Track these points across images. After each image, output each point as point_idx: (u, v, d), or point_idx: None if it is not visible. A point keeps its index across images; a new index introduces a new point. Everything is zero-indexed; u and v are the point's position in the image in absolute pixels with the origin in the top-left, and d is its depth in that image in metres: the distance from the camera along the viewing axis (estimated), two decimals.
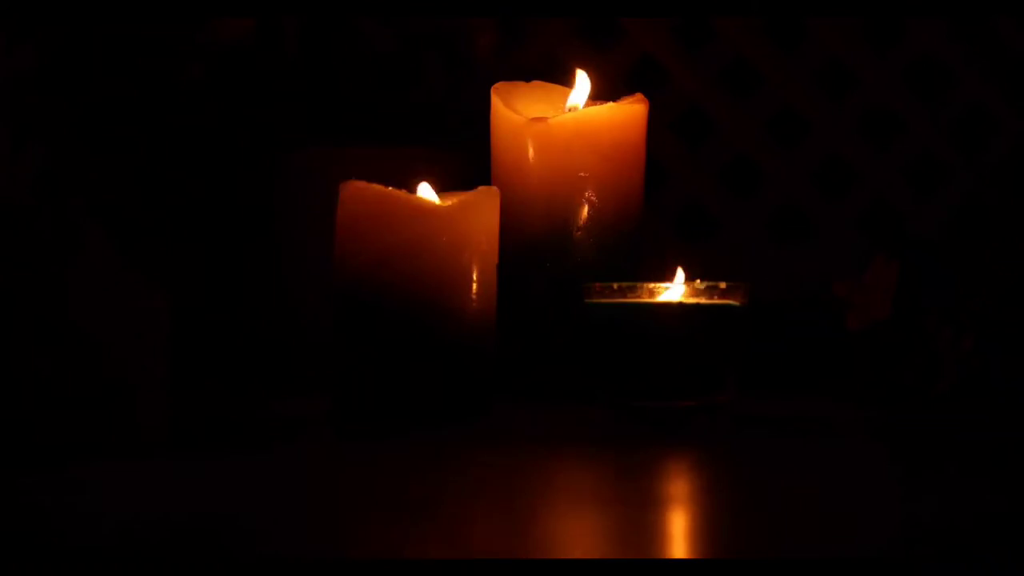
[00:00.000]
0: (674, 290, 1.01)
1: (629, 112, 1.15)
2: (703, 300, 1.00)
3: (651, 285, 1.01)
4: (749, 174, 1.50)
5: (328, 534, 0.67)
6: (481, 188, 1.04)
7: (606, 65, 1.46)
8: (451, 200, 1.02)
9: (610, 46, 1.49)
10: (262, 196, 1.35)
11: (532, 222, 1.14)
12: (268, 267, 1.34)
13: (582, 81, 1.16)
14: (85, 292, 0.91)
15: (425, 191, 1.04)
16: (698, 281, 1.01)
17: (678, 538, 0.67)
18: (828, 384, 1.24)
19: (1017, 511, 0.72)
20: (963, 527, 0.68)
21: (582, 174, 1.14)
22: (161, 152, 1.47)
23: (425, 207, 1.01)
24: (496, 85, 1.17)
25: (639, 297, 1.01)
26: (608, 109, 1.15)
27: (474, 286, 1.01)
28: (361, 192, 1.01)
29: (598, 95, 1.18)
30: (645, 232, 1.17)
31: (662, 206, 1.49)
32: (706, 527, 0.69)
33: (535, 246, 1.14)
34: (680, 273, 1.02)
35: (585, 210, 1.14)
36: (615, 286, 1.02)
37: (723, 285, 1.01)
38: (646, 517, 0.71)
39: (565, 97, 1.17)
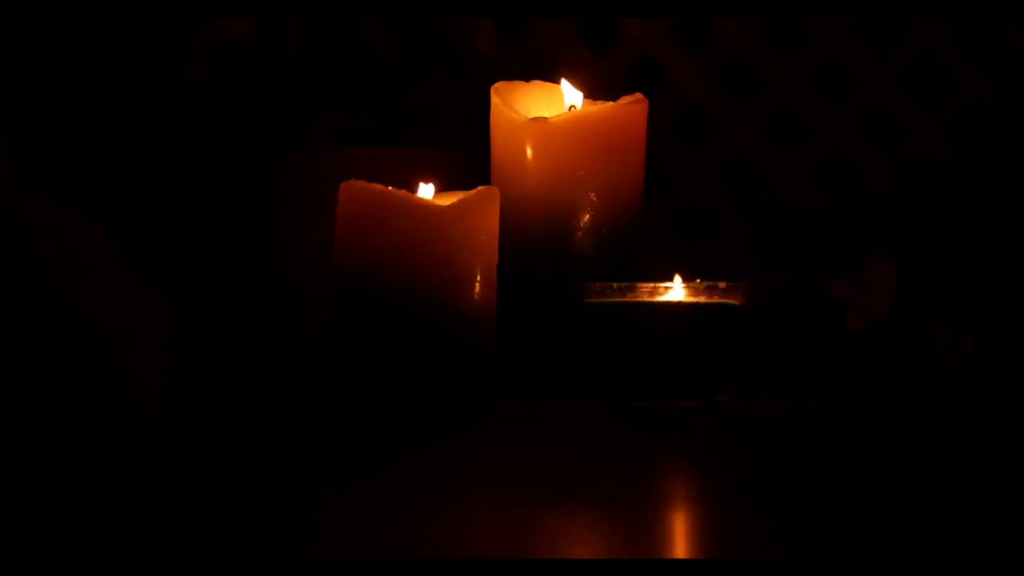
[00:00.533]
0: (674, 291, 1.01)
1: (629, 112, 1.15)
2: (703, 300, 1.00)
3: (651, 285, 1.01)
4: (749, 174, 1.50)
5: (328, 534, 0.67)
6: (481, 188, 1.04)
7: (606, 65, 1.46)
8: (451, 200, 1.02)
9: (610, 46, 1.49)
10: (262, 196, 1.35)
11: (532, 222, 1.14)
12: (268, 267, 1.33)
13: (568, 91, 1.16)
14: (85, 292, 0.91)
15: (425, 191, 1.04)
16: (698, 281, 1.01)
17: (678, 538, 0.67)
18: (828, 384, 1.24)
19: (1017, 511, 0.72)
20: (963, 527, 0.68)
21: (582, 174, 1.14)
22: (161, 152, 1.46)
23: (425, 207, 1.01)
24: (496, 85, 1.17)
25: (639, 297, 1.01)
26: (608, 109, 1.15)
27: (474, 286, 1.01)
28: (361, 192, 1.01)
29: (598, 95, 1.18)
30: (645, 232, 1.17)
31: (662, 206, 1.49)
32: (706, 527, 0.69)
33: (535, 246, 1.14)
34: (677, 279, 1.02)
35: (585, 210, 1.14)
36: (615, 286, 1.02)
37: (723, 285, 1.01)
38: (646, 517, 0.71)
39: (564, 97, 1.17)
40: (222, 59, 1.37)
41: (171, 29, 1.40)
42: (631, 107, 1.15)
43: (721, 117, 1.49)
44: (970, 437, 1.00)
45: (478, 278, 1.02)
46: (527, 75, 1.19)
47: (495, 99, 1.16)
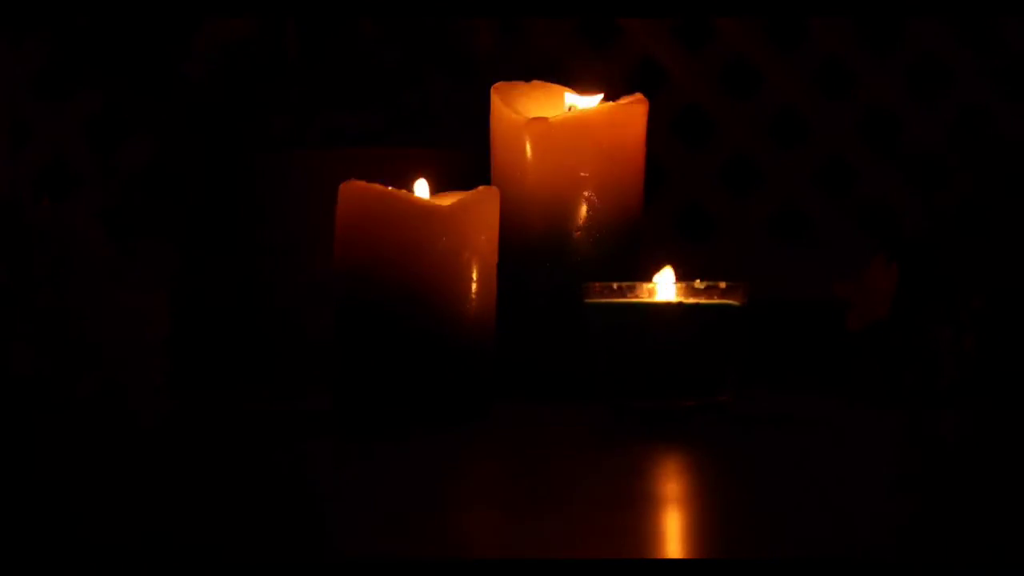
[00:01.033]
0: (663, 287, 1.01)
1: (629, 112, 1.15)
2: (703, 300, 1.00)
3: (651, 285, 1.01)
4: (749, 174, 1.50)
5: (328, 534, 0.67)
6: (481, 188, 1.04)
7: (606, 65, 1.46)
8: (451, 200, 1.02)
9: (610, 46, 1.49)
10: (262, 196, 1.35)
11: (532, 222, 1.14)
12: (268, 266, 1.34)
13: (569, 95, 1.16)
14: (85, 292, 0.91)
15: (424, 191, 1.04)
16: (698, 281, 1.01)
17: (677, 538, 0.67)
18: (828, 384, 1.24)
19: (1017, 511, 0.72)
20: (963, 527, 0.68)
21: (582, 174, 1.14)
22: (161, 152, 1.46)
23: (425, 207, 1.01)
24: (496, 85, 1.17)
25: (639, 297, 1.01)
26: (608, 109, 1.15)
27: (474, 286, 1.01)
28: (361, 192, 1.01)
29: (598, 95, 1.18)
30: (645, 232, 1.17)
31: (662, 206, 1.49)
32: (706, 527, 0.69)
33: (535, 246, 1.14)
34: (668, 271, 1.02)
35: (585, 210, 1.14)
36: (615, 286, 1.02)
37: (723, 285, 1.01)
38: (645, 517, 0.71)
39: (564, 97, 1.17)
40: (222, 59, 1.37)
41: (170, 29, 1.41)
42: (631, 107, 1.15)
43: (721, 117, 1.49)
44: (970, 437, 1.00)
45: (478, 278, 1.02)
46: (527, 75, 1.19)
47: (495, 99, 1.16)
